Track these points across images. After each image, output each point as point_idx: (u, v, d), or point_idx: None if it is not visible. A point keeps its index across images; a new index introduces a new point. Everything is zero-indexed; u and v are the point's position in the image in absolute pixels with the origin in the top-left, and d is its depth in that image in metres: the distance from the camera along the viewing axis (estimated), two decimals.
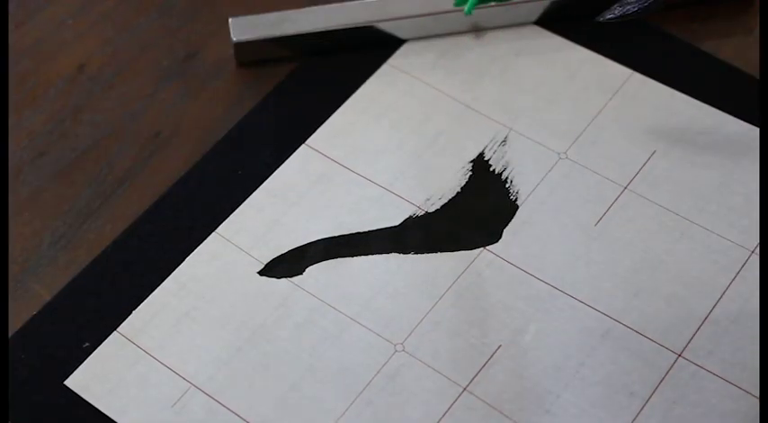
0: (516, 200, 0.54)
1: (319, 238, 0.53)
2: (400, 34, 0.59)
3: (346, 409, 0.48)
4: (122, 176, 0.55)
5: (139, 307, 0.51)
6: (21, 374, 0.49)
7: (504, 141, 0.56)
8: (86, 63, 0.59)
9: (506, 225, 0.53)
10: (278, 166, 0.55)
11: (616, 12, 0.52)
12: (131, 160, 0.56)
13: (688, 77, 0.58)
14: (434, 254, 0.52)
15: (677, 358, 0.49)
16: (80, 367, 0.49)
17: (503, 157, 0.55)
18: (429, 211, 0.54)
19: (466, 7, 0.58)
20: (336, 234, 0.53)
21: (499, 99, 0.57)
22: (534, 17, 0.60)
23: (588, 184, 0.54)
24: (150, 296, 0.51)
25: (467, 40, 0.60)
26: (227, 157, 0.56)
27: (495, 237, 0.53)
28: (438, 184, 0.54)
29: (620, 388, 0.48)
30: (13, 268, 0.52)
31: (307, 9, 0.59)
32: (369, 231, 0.53)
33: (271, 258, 0.52)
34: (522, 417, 0.47)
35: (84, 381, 0.49)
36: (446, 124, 0.56)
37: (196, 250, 0.52)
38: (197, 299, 0.51)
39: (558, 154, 0.55)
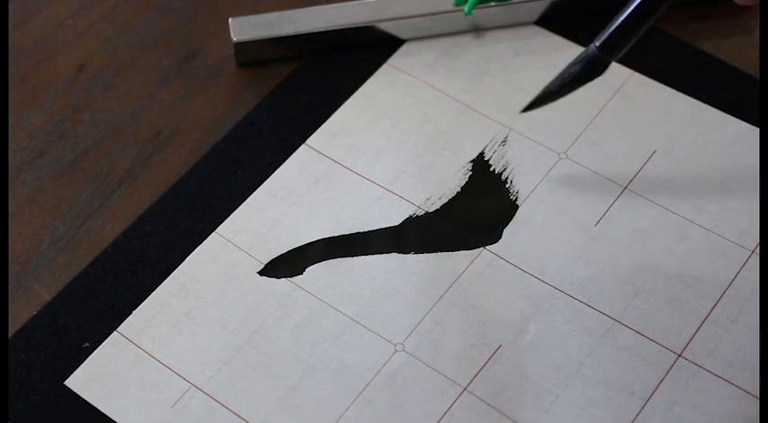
0: (516, 200, 0.54)
1: (319, 238, 0.53)
2: (400, 34, 0.59)
3: (346, 409, 0.48)
4: (122, 176, 0.55)
5: (139, 307, 0.51)
6: (21, 374, 0.49)
7: (504, 141, 0.56)
8: (86, 63, 0.59)
9: (506, 225, 0.53)
10: (278, 166, 0.55)
11: (556, 84, 0.52)
12: (131, 160, 0.56)
13: (688, 77, 0.58)
14: (434, 254, 0.52)
15: (677, 358, 0.49)
16: (80, 367, 0.49)
17: (503, 157, 0.55)
18: (429, 210, 0.54)
19: (466, 7, 0.58)
20: (336, 234, 0.53)
21: (499, 99, 0.57)
22: (534, 17, 0.60)
23: (588, 184, 0.54)
24: (150, 296, 0.51)
25: (467, 40, 0.60)
26: (227, 157, 0.56)
27: (495, 237, 0.53)
28: (438, 184, 0.54)
29: (620, 388, 0.48)
30: (13, 268, 0.52)
31: (307, 9, 0.59)
32: (369, 231, 0.53)
33: (271, 258, 0.52)
34: (522, 417, 0.47)
35: (84, 381, 0.49)
36: (446, 124, 0.56)
37: (196, 250, 0.52)
38: (197, 299, 0.51)
39: (558, 154, 0.55)
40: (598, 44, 0.50)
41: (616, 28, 0.50)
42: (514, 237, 0.52)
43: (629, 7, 0.49)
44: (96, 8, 0.62)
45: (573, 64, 0.51)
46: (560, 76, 0.52)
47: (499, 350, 0.49)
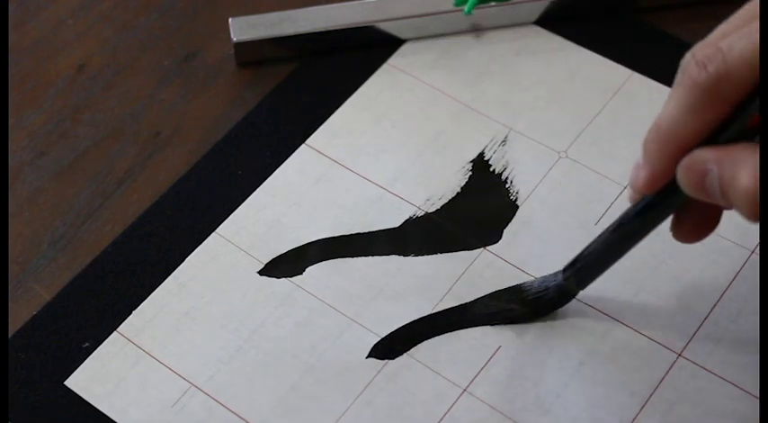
0: (516, 200, 0.54)
1: (319, 238, 0.53)
2: (400, 34, 0.59)
3: (346, 410, 0.48)
4: (122, 176, 0.55)
5: (139, 307, 0.51)
6: (21, 374, 0.49)
7: (504, 141, 0.56)
8: (86, 63, 0.59)
9: (506, 225, 0.53)
10: (278, 166, 0.55)
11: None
12: (131, 160, 0.56)
13: None
14: (434, 255, 0.52)
15: (677, 358, 0.49)
16: (80, 367, 0.49)
17: (503, 157, 0.55)
18: (429, 211, 0.53)
19: (466, 7, 0.58)
20: (336, 234, 0.53)
21: (499, 99, 0.57)
22: (534, 17, 0.60)
23: (588, 183, 0.54)
24: (150, 296, 0.51)
25: (467, 40, 0.60)
26: (228, 157, 0.56)
27: (495, 237, 0.52)
28: (438, 184, 0.54)
29: (620, 388, 0.48)
30: (13, 268, 0.52)
31: (307, 9, 0.59)
32: (369, 232, 0.53)
33: (271, 258, 0.52)
34: (522, 417, 0.47)
35: (84, 381, 0.49)
36: (446, 124, 0.56)
37: (196, 250, 0.52)
38: (197, 299, 0.51)
39: (558, 153, 0.55)
40: (568, 277, 0.48)
41: (589, 260, 0.47)
42: (514, 237, 0.52)
43: (603, 237, 0.46)
44: (96, 8, 0.62)
45: (540, 290, 0.49)
46: (529, 303, 0.49)
47: (499, 350, 0.49)
